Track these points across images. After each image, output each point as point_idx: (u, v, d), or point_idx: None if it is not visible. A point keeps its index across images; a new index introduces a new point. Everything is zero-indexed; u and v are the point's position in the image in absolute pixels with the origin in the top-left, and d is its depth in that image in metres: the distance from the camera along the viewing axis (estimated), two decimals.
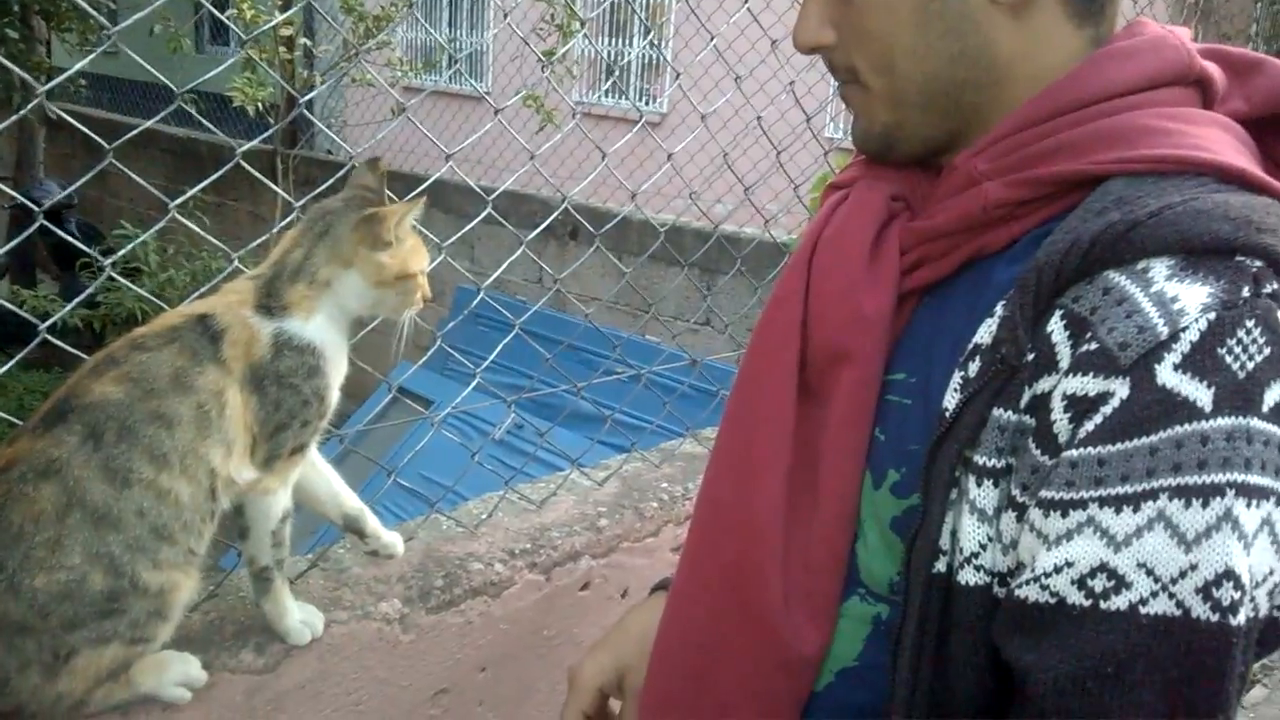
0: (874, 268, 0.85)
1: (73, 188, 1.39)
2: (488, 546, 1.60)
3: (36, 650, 1.02)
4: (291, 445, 1.16)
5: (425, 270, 1.18)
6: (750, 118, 2.21)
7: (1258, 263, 0.67)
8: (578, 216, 1.84)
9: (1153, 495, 0.65)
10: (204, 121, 1.44)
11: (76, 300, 1.32)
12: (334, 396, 1.19)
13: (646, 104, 9.24)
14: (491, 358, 1.64)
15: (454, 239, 1.54)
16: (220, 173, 1.30)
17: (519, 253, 1.61)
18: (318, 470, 1.30)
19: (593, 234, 1.74)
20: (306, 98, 1.43)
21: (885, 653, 0.83)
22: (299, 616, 1.29)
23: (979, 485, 0.74)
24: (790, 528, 0.85)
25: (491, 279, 1.65)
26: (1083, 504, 0.67)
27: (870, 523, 0.85)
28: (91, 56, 1.22)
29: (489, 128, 1.58)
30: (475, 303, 1.61)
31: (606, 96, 8.71)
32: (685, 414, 2.09)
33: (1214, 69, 0.83)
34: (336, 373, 1.18)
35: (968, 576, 0.74)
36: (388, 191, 1.19)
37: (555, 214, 1.77)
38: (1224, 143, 0.77)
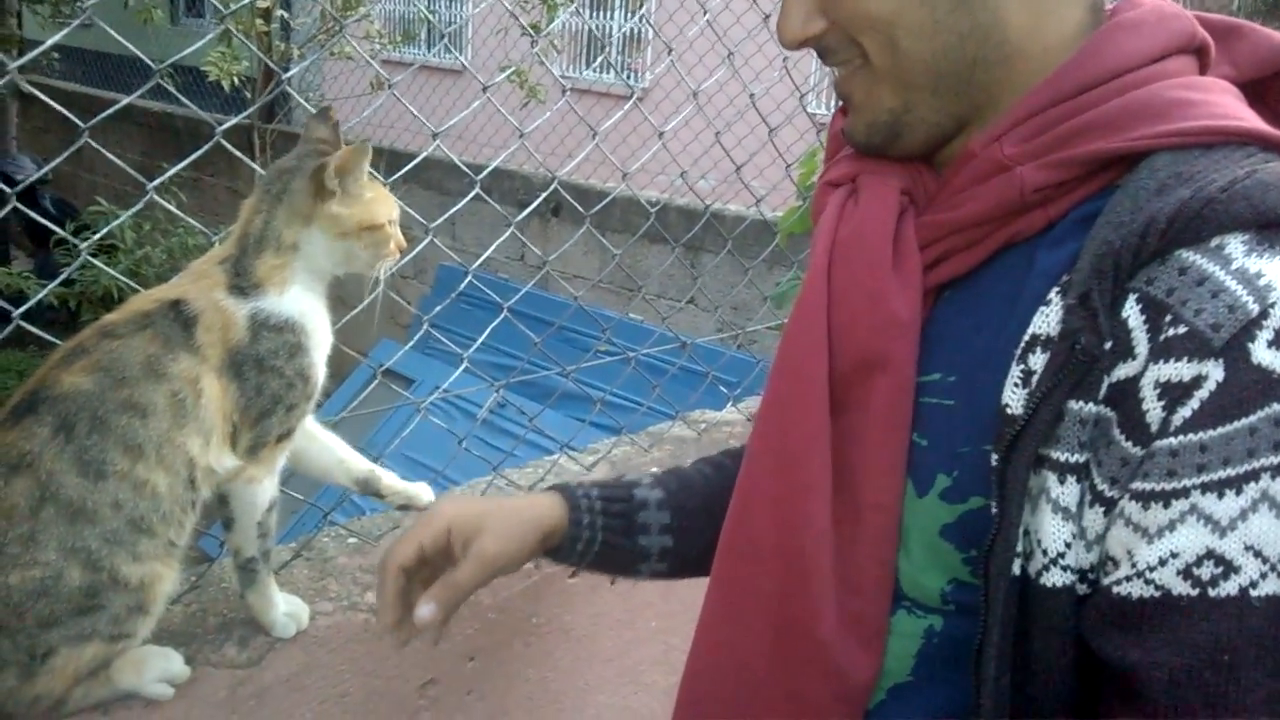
0: (898, 268, 0.81)
1: (48, 167, 1.34)
2: None
3: (12, 650, 0.99)
4: (278, 432, 1.12)
5: (394, 220, 1.13)
6: (734, 94, 2.18)
7: None
8: (566, 195, 1.81)
9: (1255, 476, 0.63)
10: (180, 97, 1.40)
11: (51, 285, 1.28)
12: (320, 374, 1.14)
13: (629, 79, 9.19)
14: (481, 340, 1.61)
15: (441, 220, 1.50)
16: (200, 151, 1.26)
17: (508, 234, 1.57)
18: (319, 440, 1.26)
19: (575, 210, 1.70)
20: (289, 74, 1.38)
21: (940, 665, 0.81)
22: (284, 609, 1.26)
23: (1061, 483, 0.71)
24: (834, 550, 0.82)
25: (480, 261, 1.61)
26: (1185, 492, 0.65)
27: (915, 533, 0.81)
28: (67, 31, 1.17)
29: (476, 104, 1.54)
30: (464, 284, 1.57)
31: (589, 70, 8.64)
32: (674, 396, 2.06)
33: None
34: (320, 348, 1.13)
35: (1054, 578, 0.71)
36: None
37: (545, 194, 1.73)
38: (1242, 108, 0.76)
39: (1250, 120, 0.73)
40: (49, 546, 0.98)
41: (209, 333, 1.05)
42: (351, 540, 1.50)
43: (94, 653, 1.02)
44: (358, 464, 1.29)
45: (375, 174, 1.14)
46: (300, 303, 1.10)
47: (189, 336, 1.04)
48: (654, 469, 1.84)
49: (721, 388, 2.21)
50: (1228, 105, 0.75)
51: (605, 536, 1.10)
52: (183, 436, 1.03)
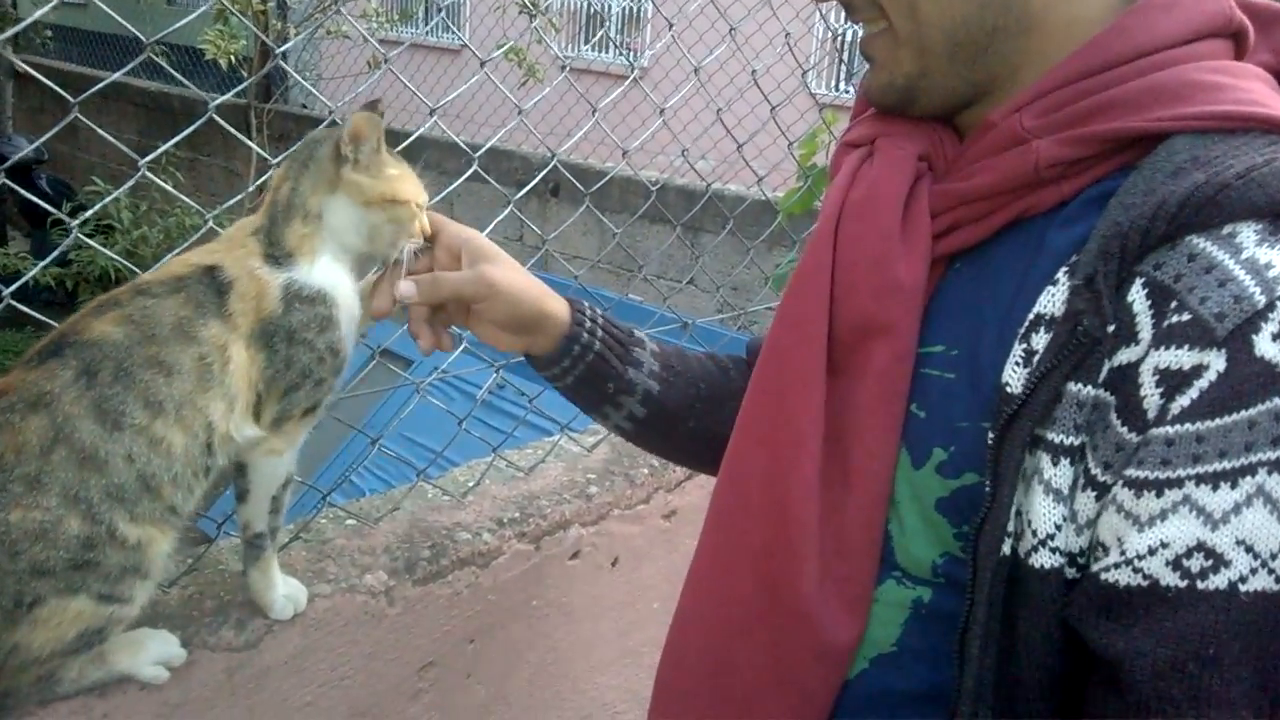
0: (907, 234, 0.80)
1: (39, 141, 1.32)
2: (475, 516, 1.56)
3: None
4: (304, 405, 1.11)
5: (421, 204, 1.11)
6: (734, 72, 2.15)
7: None
8: (566, 173, 1.78)
9: (1251, 470, 0.62)
10: (175, 74, 1.38)
11: (43, 264, 1.26)
12: (349, 348, 1.13)
13: (631, 58, 9.15)
14: None
15: (438, 198, 1.47)
16: (193, 127, 1.24)
17: (507, 211, 1.55)
18: None
19: (574, 191, 1.68)
20: (282, 49, 1.36)
21: (926, 637, 0.80)
22: (282, 590, 1.24)
23: (1055, 464, 0.70)
24: (822, 511, 0.81)
25: None
26: (1179, 483, 0.64)
27: (909, 504, 0.81)
28: (51, 5, 1.15)
29: (474, 79, 1.52)
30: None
31: (587, 48, 8.59)
32: None
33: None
34: (350, 321, 1.12)
35: (1042, 559, 0.70)
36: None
37: (544, 171, 1.71)
38: (1272, 97, 0.74)
39: (1278, 108, 0.71)
40: (52, 491, 0.96)
41: (242, 301, 1.04)
42: (350, 522, 1.49)
43: (80, 609, 0.99)
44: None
45: (400, 158, 1.13)
46: (330, 274, 1.09)
47: (221, 303, 1.04)
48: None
49: None
50: (1255, 92, 0.73)
51: (601, 350, 1.06)
52: (205, 400, 1.02)
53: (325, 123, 1.32)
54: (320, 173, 1.09)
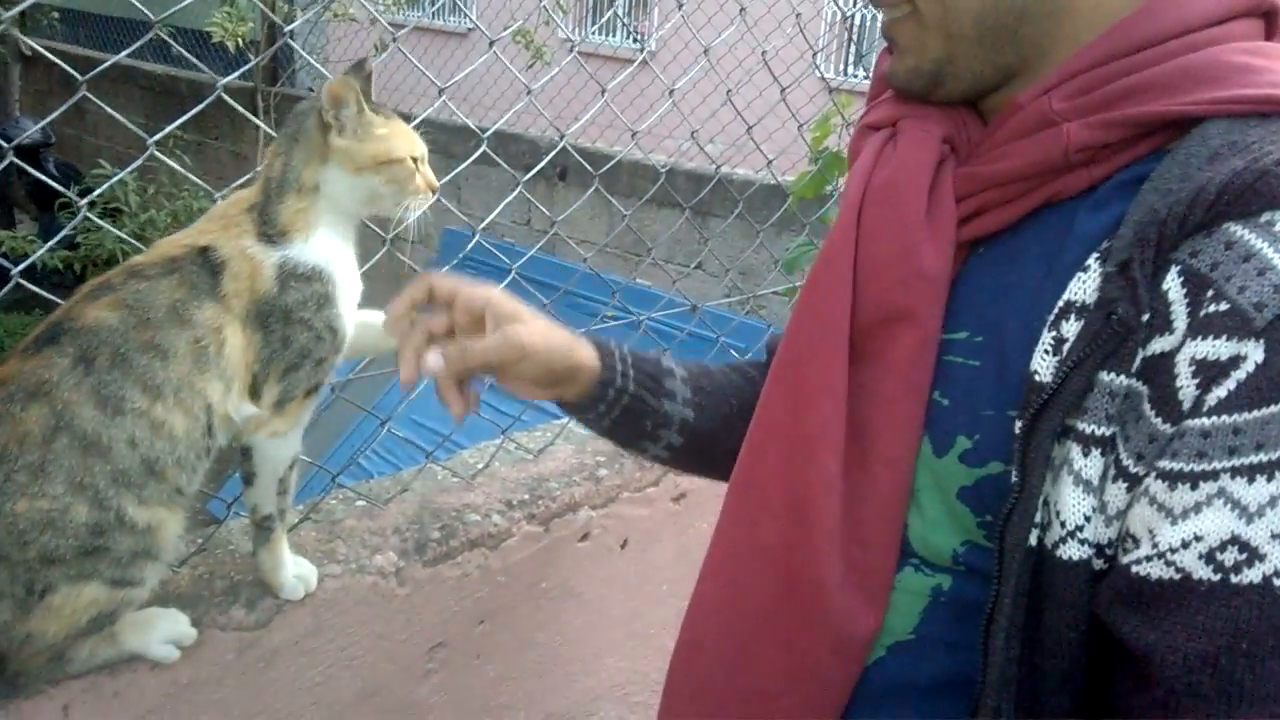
0: (931, 219, 0.79)
1: (45, 121, 1.32)
2: (485, 497, 1.55)
3: (9, 582, 0.97)
4: (306, 386, 1.10)
5: (420, 157, 1.09)
6: (742, 56, 2.14)
7: None
8: (576, 155, 1.78)
9: None
10: (184, 52, 1.37)
11: (49, 244, 1.25)
12: (348, 324, 1.11)
13: (637, 42, 9.11)
14: None
15: (447, 179, 1.47)
16: (201, 106, 1.23)
17: (515, 193, 1.55)
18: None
19: (583, 174, 1.68)
20: (289, 28, 1.35)
21: (945, 625, 0.79)
22: (293, 571, 1.25)
23: (1085, 455, 0.68)
24: (843, 501, 0.80)
25: (486, 222, 1.59)
26: (1214, 475, 0.63)
27: (930, 492, 0.79)
28: None
29: (482, 60, 1.51)
30: (470, 246, 1.54)
31: (594, 30, 8.56)
32: None
33: None
34: (348, 296, 1.11)
35: (1070, 551, 0.69)
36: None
37: (553, 153, 1.70)
38: None
39: None
40: (58, 479, 0.96)
41: (235, 281, 1.03)
42: (360, 502, 1.49)
43: (93, 596, 1.00)
44: None
45: (393, 112, 1.10)
46: (326, 248, 1.08)
47: (214, 284, 1.03)
48: None
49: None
50: None
51: (636, 390, 1.03)
52: (203, 382, 1.02)
53: None
54: (310, 145, 1.07)
